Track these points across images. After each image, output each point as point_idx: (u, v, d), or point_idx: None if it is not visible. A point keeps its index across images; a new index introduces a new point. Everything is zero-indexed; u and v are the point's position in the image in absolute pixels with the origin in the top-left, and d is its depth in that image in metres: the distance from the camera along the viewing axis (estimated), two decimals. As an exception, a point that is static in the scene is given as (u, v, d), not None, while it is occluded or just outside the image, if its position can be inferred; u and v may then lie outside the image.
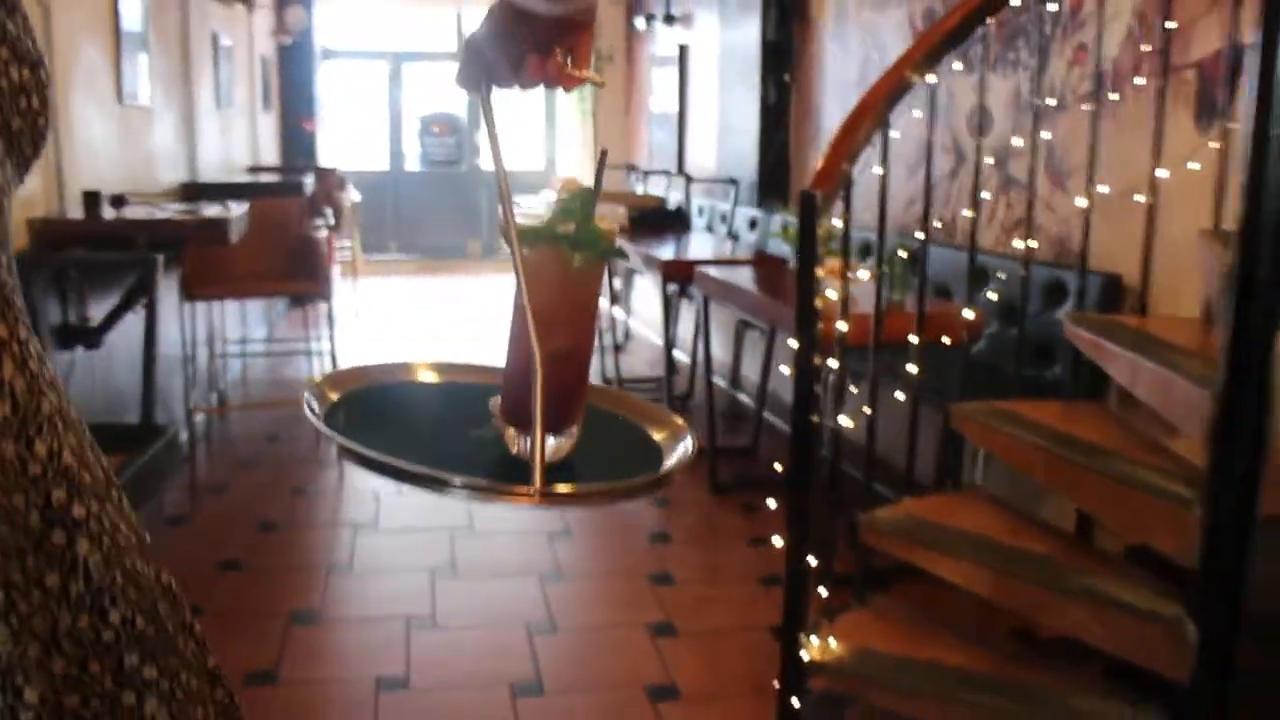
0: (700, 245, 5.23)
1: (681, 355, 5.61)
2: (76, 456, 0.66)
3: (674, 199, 6.26)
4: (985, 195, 3.37)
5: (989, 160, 3.48)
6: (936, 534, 2.21)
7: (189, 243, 2.63)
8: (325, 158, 8.63)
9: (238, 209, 2.84)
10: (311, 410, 0.79)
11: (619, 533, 3.54)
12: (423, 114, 10.28)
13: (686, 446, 0.80)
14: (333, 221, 5.07)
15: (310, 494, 3.82)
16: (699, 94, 6.35)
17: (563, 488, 0.71)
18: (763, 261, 4.74)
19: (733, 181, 5.38)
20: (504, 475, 0.76)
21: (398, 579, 3.13)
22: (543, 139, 10.27)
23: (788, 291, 3.82)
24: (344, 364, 5.21)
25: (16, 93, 0.65)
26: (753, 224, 5.20)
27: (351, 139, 10.06)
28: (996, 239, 3.40)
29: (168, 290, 3.69)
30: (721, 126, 5.71)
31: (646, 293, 6.79)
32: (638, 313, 7.03)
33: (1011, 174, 3.38)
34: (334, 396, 0.84)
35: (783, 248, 4.86)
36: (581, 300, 0.77)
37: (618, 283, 6.67)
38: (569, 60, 0.71)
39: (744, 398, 4.96)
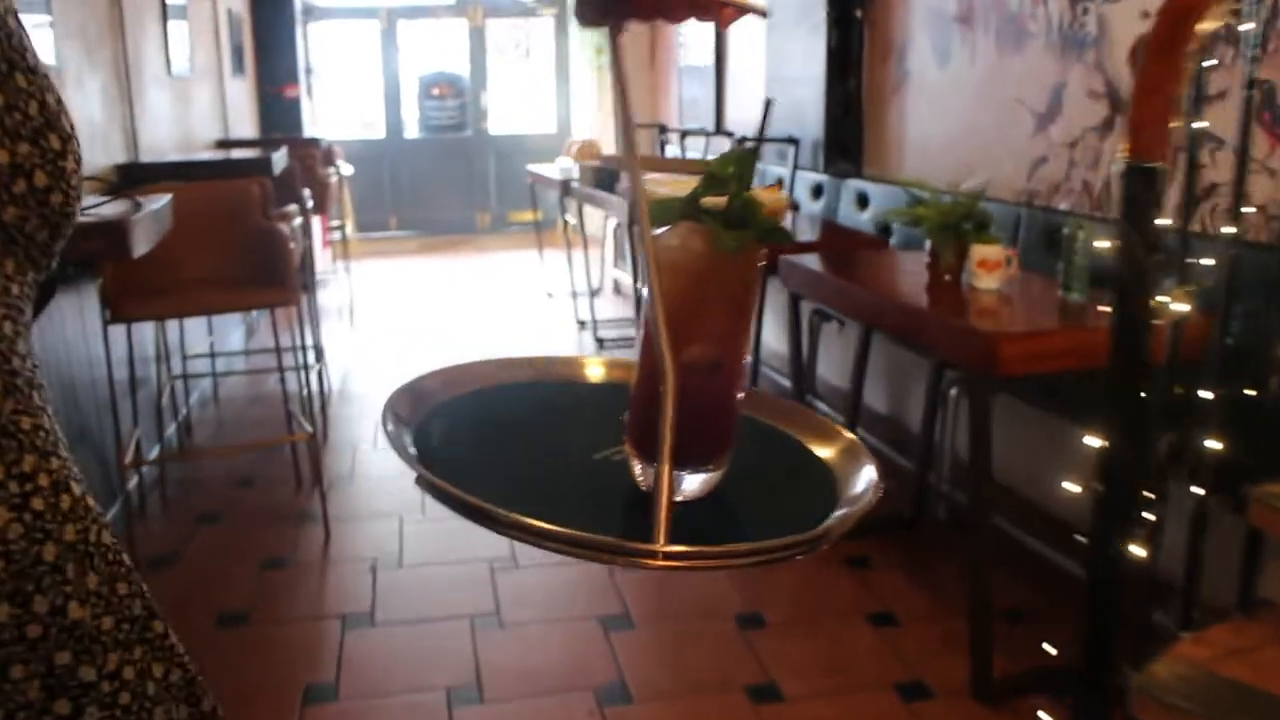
0: (757, 219, 4.34)
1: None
2: (94, 602, 0.57)
3: (715, 163, 5.37)
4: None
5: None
6: (1252, 707, 1.35)
7: (80, 255, 1.78)
8: (312, 128, 7.72)
9: (152, 204, 1.96)
10: (398, 441, 0.62)
11: (696, 614, 2.67)
12: (421, 75, 9.32)
13: (870, 480, 0.61)
14: (311, 204, 4.17)
15: (288, 567, 2.94)
16: (741, 40, 5.43)
17: (693, 548, 0.54)
18: (839, 237, 3.87)
19: (791, 140, 4.47)
20: (629, 521, 0.60)
21: (402, 707, 2.27)
22: (554, 98, 9.31)
23: (881, 282, 2.94)
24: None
25: (7, 179, 0.55)
26: (817, 191, 4.30)
27: (342, 106, 9.14)
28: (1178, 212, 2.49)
29: (87, 308, 2.82)
30: (770, 77, 4.78)
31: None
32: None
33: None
34: (429, 405, 0.69)
35: (858, 218, 3.99)
36: (734, 294, 0.60)
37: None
38: None
39: (824, 407, 4.08)
